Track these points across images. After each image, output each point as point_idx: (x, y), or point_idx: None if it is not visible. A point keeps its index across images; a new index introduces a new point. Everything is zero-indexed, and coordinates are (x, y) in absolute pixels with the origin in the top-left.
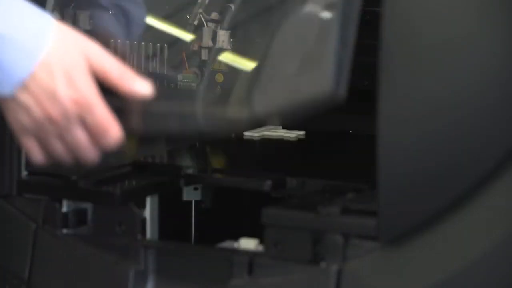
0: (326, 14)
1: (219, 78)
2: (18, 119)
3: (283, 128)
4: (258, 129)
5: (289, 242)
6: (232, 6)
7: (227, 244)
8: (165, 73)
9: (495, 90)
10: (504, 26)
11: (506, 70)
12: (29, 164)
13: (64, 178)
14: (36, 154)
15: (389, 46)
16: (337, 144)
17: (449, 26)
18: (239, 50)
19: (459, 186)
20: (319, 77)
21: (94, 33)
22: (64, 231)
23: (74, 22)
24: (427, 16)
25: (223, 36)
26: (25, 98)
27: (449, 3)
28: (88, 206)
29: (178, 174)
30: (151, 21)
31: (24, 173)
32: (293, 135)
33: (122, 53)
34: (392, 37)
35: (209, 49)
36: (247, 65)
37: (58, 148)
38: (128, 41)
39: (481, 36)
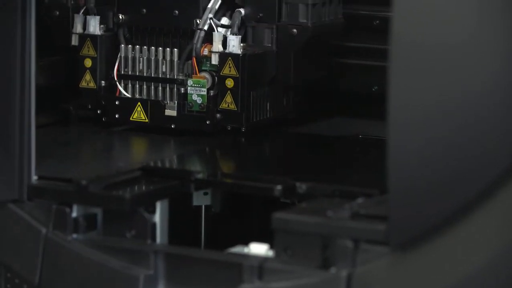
0: None
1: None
2: None
3: None
4: None
5: (299, 247)
6: (242, 11)
7: (237, 249)
8: (175, 77)
9: (504, 95)
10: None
11: None
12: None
13: (74, 183)
14: None
15: (399, 51)
16: (346, 149)
17: (459, 32)
18: None
19: (469, 191)
20: None
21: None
22: (74, 236)
23: (84, 27)
24: (437, 21)
25: (233, 41)
26: None
27: (459, 8)
28: (98, 211)
29: (188, 179)
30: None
31: (34, 178)
32: None
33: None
34: (402, 42)
35: (220, 54)
36: None
37: None
38: (137, 46)
39: (488, 41)
